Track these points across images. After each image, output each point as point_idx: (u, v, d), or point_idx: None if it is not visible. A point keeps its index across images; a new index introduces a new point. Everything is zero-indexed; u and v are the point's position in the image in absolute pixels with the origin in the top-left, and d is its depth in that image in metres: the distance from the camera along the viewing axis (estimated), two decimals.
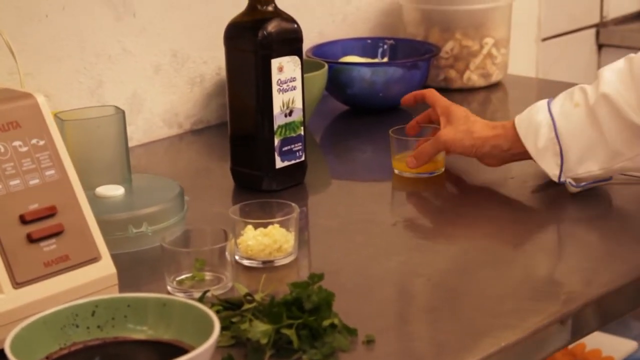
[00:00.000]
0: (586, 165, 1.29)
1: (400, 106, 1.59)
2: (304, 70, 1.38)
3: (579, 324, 1.08)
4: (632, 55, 1.29)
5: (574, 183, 1.31)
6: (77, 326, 0.93)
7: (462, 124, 1.37)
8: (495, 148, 1.34)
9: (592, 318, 1.09)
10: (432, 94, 1.44)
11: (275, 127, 1.37)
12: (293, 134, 1.38)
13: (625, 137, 1.26)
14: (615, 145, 1.27)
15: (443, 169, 1.42)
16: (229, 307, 1.03)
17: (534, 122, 1.31)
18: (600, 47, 2.38)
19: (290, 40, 1.36)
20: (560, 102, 1.32)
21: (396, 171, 1.42)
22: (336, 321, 0.99)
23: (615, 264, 1.16)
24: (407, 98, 1.49)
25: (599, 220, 1.29)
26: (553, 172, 1.31)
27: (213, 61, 1.68)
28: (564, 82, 1.95)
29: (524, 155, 1.33)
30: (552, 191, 1.34)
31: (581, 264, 1.18)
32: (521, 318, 1.05)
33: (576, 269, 1.17)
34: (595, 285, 1.11)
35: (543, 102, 1.33)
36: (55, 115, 1.22)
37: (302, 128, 1.39)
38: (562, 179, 1.31)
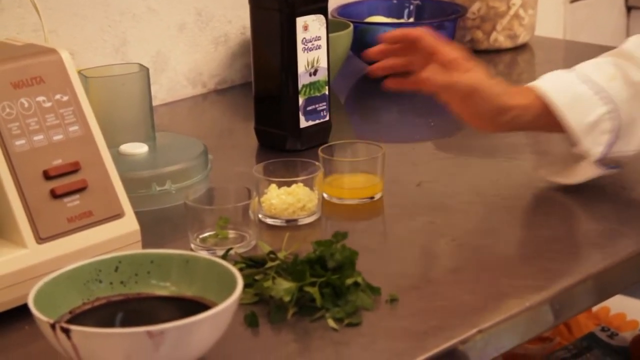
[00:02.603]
0: (620, 144, 1.17)
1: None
2: (329, 30, 1.37)
3: (604, 285, 1.07)
4: None
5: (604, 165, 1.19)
6: (101, 281, 0.93)
7: (496, 84, 1.16)
8: (518, 118, 1.17)
9: (617, 280, 1.09)
10: (430, 37, 1.17)
11: (300, 86, 1.36)
12: (317, 94, 1.38)
13: None
14: None
15: (381, 193, 1.22)
16: (252, 264, 1.03)
17: (575, 94, 1.16)
18: (629, 9, 2.35)
19: None
20: (590, 73, 1.18)
21: (325, 195, 1.21)
22: (359, 280, 0.99)
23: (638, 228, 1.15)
24: (391, 35, 1.21)
25: (623, 184, 1.28)
26: (595, 150, 1.16)
27: (237, 20, 1.67)
28: (592, 43, 1.94)
29: (540, 128, 1.19)
30: None
31: (606, 226, 1.17)
32: (546, 279, 1.04)
33: (601, 231, 1.16)
34: (622, 246, 1.10)
35: (565, 72, 1.19)
36: (79, 73, 1.22)
37: (326, 87, 1.39)
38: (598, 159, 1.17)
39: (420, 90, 1.18)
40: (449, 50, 1.17)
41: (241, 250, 1.08)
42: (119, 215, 1.03)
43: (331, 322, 0.96)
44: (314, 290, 0.97)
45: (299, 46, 1.34)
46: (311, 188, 1.17)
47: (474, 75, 1.15)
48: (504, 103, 1.15)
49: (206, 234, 1.11)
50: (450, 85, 1.14)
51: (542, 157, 1.25)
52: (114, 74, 1.28)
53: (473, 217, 1.19)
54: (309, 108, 1.37)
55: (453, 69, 1.15)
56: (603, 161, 1.19)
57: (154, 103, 1.39)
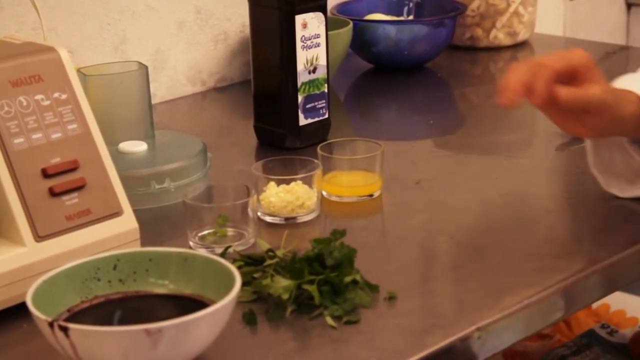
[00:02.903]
0: None
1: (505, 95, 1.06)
2: (328, 28, 1.37)
3: (603, 282, 1.07)
4: None
5: None
6: (99, 280, 0.93)
7: (613, 94, 1.10)
8: (626, 126, 1.11)
9: (617, 277, 1.09)
10: (594, 67, 1.09)
11: (299, 84, 1.36)
12: (317, 91, 1.38)
13: None
14: None
15: (380, 191, 1.22)
16: (251, 262, 1.03)
17: None
18: (629, 6, 2.34)
19: None
20: None
21: (324, 193, 1.21)
22: (358, 277, 0.99)
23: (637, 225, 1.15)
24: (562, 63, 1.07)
25: None
26: None
27: (237, 18, 1.67)
28: (592, 41, 1.94)
29: (634, 133, 1.13)
30: (576, 153, 1.32)
31: (605, 223, 1.17)
32: (544, 276, 1.04)
33: (601, 228, 1.16)
34: (621, 243, 1.10)
35: (636, 74, 1.16)
36: (78, 71, 1.22)
37: (325, 85, 1.38)
38: None
39: (532, 102, 1.08)
40: (578, 57, 1.09)
41: (240, 248, 1.08)
42: (117, 213, 1.03)
43: (329, 320, 0.95)
44: (312, 288, 0.97)
45: (298, 44, 1.34)
46: (310, 186, 1.17)
47: (603, 88, 1.09)
48: (619, 114, 1.10)
49: (205, 232, 1.11)
50: (584, 102, 1.07)
51: (609, 176, 1.20)
52: (113, 72, 1.28)
53: (472, 215, 1.19)
54: (308, 106, 1.37)
55: (580, 80, 1.08)
56: None
57: (153, 101, 1.39)
